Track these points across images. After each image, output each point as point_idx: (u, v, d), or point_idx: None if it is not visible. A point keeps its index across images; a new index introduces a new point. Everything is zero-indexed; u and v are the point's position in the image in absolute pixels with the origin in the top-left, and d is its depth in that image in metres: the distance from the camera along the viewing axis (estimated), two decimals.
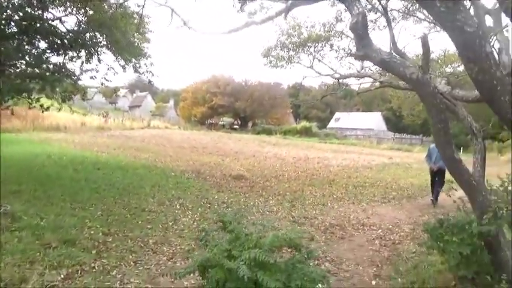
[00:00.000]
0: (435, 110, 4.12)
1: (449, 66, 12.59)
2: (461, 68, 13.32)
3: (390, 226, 6.97)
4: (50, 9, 9.21)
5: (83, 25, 9.81)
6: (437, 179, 8.96)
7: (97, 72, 10.37)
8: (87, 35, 9.93)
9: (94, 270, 4.24)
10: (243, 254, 2.71)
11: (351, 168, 16.06)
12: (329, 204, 8.65)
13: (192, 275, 3.14)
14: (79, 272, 4.14)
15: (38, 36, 8.68)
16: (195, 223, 6.42)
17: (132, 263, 4.55)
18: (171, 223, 6.29)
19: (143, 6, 9.48)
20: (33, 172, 9.18)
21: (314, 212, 7.76)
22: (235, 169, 12.90)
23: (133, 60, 10.65)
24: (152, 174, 10.64)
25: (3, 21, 7.89)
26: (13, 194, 6.85)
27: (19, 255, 4.27)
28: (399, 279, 4.30)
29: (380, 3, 8.50)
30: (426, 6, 3.58)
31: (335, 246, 5.66)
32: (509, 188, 3.75)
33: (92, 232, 5.41)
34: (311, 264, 3.41)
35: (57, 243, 4.72)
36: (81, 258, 4.44)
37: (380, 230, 6.69)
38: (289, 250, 3.89)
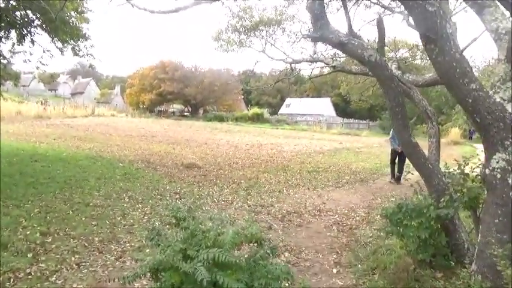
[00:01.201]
0: (393, 93, 4.05)
1: (397, 52, 12.91)
2: (408, 54, 13.79)
3: (346, 211, 7.00)
4: None
5: (12, 1, 8.79)
6: (400, 159, 9.66)
7: (31, 55, 9.46)
8: (17, 13, 8.93)
9: (30, 276, 3.75)
10: (200, 253, 2.43)
11: (303, 153, 16.19)
12: (285, 191, 8.55)
13: (143, 276, 2.82)
14: (11, 280, 3.64)
15: None
16: (146, 217, 6.01)
17: (74, 265, 4.09)
18: (119, 218, 5.82)
19: None
20: None
21: (270, 199, 7.61)
22: (187, 157, 12.46)
23: (71, 42, 9.76)
24: (97, 166, 9.93)
25: None
26: None
27: None
28: (359, 266, 4.24)
29: None
30: None
31: (293, 235, 5.54)
32: (466, 171, 3.78)
33: (28, 233, 4.83)
34: (271, 256, 3.21)
35: None
36: (14, 263, 3.92)
37: (336, 215, 6.68)
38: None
